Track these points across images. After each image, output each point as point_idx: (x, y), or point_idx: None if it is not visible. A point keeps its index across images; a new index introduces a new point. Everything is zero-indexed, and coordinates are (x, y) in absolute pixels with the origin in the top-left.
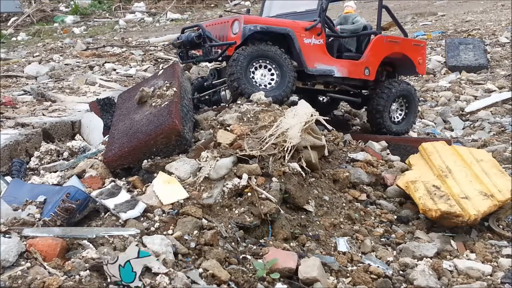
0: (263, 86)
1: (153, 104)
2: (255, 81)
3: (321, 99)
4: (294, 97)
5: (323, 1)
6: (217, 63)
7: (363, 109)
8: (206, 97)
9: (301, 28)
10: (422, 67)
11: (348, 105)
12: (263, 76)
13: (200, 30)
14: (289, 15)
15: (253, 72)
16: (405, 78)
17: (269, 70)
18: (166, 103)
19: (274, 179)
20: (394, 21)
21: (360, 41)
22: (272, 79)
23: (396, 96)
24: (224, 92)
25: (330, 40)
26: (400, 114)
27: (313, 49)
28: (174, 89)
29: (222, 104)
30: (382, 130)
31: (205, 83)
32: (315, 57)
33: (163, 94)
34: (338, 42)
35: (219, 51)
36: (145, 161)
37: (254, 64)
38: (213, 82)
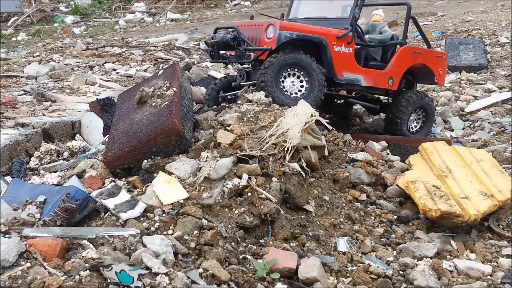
0: (290, 93)
1: (153, 104)
2: (283, 87)
3: (336, 100)
4: None
5: (355, 11)
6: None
7: (377, 115)
8: (232, 96)
9: (333, 36)
10: (442, 79)
11: (361, 109)
12: (292, 84)
13: (235, 32)
14: (319, 20)
15: (283, 80)
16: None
17: (299, 78)
18: (166, 103)
19: (274, 179)
20: (419, 32)
21: (385, 51)
22: (300, 89)
23: (416, 108)
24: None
25: (358, 48)
26: (416, 125)
27: (342, 58)
28: (174, 89)
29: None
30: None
31: (233, 83)
32: (343, 66)
33: (163, 94)
34: (365, 51)
35: (252, 54)
36: (145, 161)
37: (285, 71)
38: (242, 83)
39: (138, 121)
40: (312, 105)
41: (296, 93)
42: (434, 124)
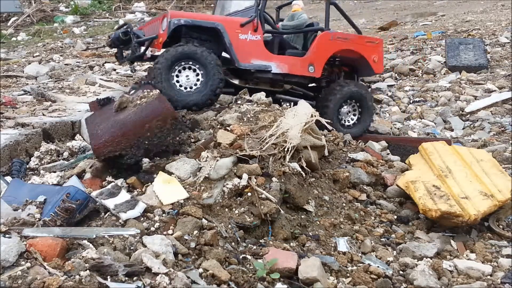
0: (188, 89)
1: (138, 102)
2: (180, 84)
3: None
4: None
5: None
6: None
7: None
8: None
9: (236, 24)
10: (378, 66)
11: None
12: (187, 78)
13: (128, 27)
14: (233, 14)
15: (177, 76)
16: (403, 78)
17: (194, 71)
18: (153, 97)
19: (274, 179)
20: (345, 18)
21: (306, 39)
22: (198, 80)
23: (345, 98)
24: None
25: (271, 36)
26: (353, 118)
27: (249, 45)
28: (157, 91)
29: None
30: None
31: (142, 82)
32: (251, 53)
33: (146, 95)
34: (279, 38)
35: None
36: (146, 161)
37: (177, 67)
38: (148, 81)
39: (124, 117)
40: (208, 96)
41: (191, 88)
42: (434, 123)
